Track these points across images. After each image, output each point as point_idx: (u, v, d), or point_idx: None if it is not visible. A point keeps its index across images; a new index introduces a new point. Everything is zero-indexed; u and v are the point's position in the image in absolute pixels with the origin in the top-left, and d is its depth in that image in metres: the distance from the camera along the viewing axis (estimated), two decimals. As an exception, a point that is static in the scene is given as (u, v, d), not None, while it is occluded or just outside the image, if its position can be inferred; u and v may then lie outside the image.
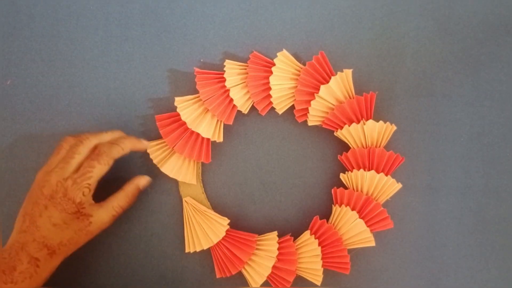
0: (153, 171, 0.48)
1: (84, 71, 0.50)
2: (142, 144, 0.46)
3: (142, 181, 0.46)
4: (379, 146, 0.46)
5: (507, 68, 0.49)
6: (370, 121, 0.46)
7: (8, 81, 0.49)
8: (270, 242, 0.46)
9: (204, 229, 0.46)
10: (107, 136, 0.45)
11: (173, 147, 0.47)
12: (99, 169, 0.42)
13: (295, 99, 0.47)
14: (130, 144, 0.45)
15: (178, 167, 0.47)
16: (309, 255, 0.45)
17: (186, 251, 0.46)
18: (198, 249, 0.45)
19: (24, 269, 0.40)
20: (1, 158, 0.49)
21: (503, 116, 0.49)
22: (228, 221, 0.46)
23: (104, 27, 0.50)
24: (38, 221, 0.40)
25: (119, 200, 0.44)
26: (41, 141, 0.49)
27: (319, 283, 0.45)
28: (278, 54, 0.47)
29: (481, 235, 0.48)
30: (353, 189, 0.46)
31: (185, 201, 0.48)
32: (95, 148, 0.43)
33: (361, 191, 0.46)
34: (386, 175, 0.45)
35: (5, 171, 0.49)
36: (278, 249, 0.46)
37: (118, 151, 0.43)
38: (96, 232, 0.43)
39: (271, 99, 0.47)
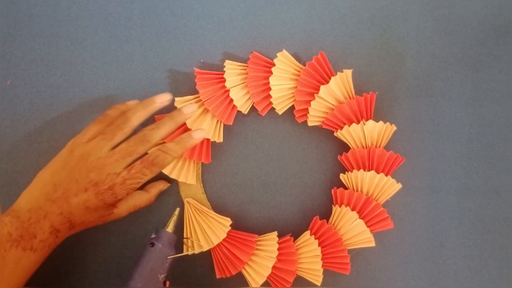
0: (153, 171, 0.48)
1: (84, 71, 0.50)
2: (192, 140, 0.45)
3: (164, 186, 0.47)
4: (379, 147, 0.46)
5: (507, 68, 0.49)
6: (370, 122, 0.45)
7: (8, 82, 0.49)
8: (270, 242, 0.46)
9: (205, 230, 0.46)
10: (165, 127, 0.43)
11: (173, 147, 0.47)
12: (148, 177, 0.43)
13: (295, 100, 0.47)
14: (181, 150, 0.44)
15: (178, 168, 0.47)
16: (309, 256, 0.45)
17: (184, 253, 0.46)
18: (197, 251, 0.45)
19: (45, 238, 0.40)
20: (1, 158, 0.49)
21: (503, 116, 0.49)
22: (230, 222, 0.46)
23: (104, 27, 0.50)
24: (72, 199, 0.40)
25: (141, 201, 0.45)
26: (41, 141, 0.49)
27: (319, 283, 0.45)
28: (278, 54, 0.47)
29: (481, 235, 0.48)
30: (353, 189, 0.46)
31: (187, 202, 0.48)
32: (151, 155, 0.42)
33: (361, 191, 0.46)
34: (386, 175, 0.45)
35: (5, 171, 0.49)
36: (278, 249, 0.46)
37: (169, 162, 0.44)
38: (110, 220, 0.44)
39: (271, 100, 0.47)
